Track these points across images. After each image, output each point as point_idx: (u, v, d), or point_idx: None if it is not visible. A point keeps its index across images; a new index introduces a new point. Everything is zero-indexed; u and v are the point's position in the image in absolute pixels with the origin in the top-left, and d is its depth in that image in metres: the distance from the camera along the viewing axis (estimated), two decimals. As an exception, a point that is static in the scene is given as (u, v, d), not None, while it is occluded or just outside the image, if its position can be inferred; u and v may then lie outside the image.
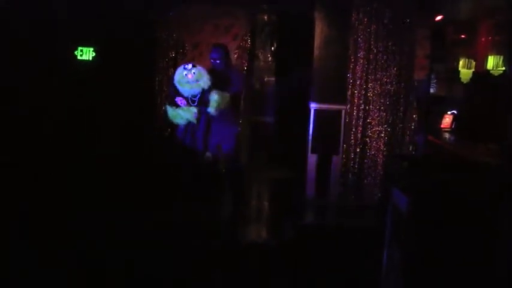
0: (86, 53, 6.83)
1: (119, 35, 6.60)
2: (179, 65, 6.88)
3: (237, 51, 7.12)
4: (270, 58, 9.34)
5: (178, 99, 5.75)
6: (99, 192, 5.82)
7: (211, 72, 5.79)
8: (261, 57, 9.26)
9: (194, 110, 5.73)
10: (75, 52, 6.79)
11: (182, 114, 5.75)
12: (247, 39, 7.22)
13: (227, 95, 5.75)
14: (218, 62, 5.96)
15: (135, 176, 6.28)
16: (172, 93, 5.90)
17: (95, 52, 6.82)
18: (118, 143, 6.65)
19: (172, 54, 7.10)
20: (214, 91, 5.66)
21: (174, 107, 5.78)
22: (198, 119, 5.77)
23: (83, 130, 6.65)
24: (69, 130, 6.56)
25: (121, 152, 6.57)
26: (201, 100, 5.74)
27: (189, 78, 5.62)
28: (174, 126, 6.76)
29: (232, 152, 6.08)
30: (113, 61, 6.75)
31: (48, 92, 6.55)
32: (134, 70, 6.74)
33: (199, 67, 5.71)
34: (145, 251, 4.71)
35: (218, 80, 5.77)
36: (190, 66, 5.68)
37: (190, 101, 5.76)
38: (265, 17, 8.80)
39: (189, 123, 5.80)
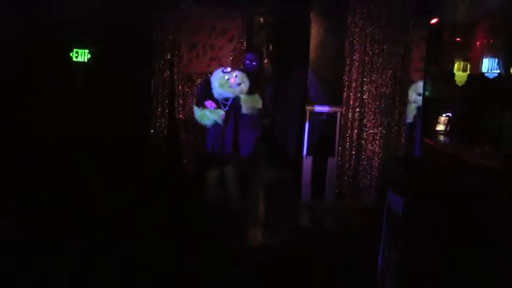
0: (81, 55, 6.81)
1: (115, 36, 6.59)
2: (176, 67, 6.94)
3: (232, 53, 7.11)
4: (265, 60, 9.33)
5: (209, 103, 5.85)
6: (91, 193, 5.82)
7: (249, 75, 5.90)
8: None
9: (222, 112, 5.83)
10: (71, 54, 6.77)
11: (209, 116, 5.88)
12: (243, 41, 7.21)
13: (258, 98, 5.88)
14: (254, 64, 6.04)
15: (132, 178, 6.28)
16: (202, 95, 5.98)
17: (90, 54, 6.80)
18: (113, 145, 6.63)
19: (168, 56, 7.08)
20: (245, 96, 5.79)
21: (201, 108, 5.87)
22: (226, 121, 5.87)
23: (77, 133, 6.62)
24: (63, 133, 6.53)
25: (116, 154, 6.56)
26: (232, 104, 5.83)
27: (232, 82, 5.73)
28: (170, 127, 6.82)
29: (250, 154, 6.17)
30: (108, 63, 6.74)
31: (42, 95, 6.53)
32: (130, 72, 6.73)
33: (239, 71, 5.84)
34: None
35: (255, 83, 5.90)
36: (229, 69, 5.84)
37: (221, 105, 5.85)
38: (262, 19, 8.79)
39: (217, 126, 5.89)
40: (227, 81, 5.82)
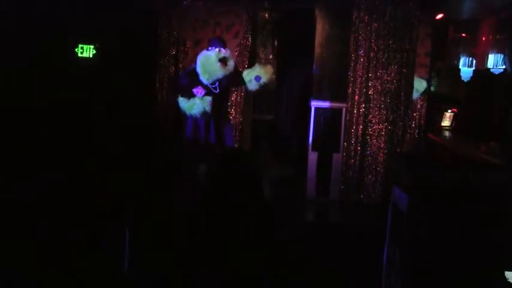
0: (86, 51, 6.81)
1: (120, 32, 6.59)
2: (181, 63, 6.90)
3: (238, 49, 7.11)
4: (271, 56, 9.35)
5: (198, 90, 5.71)
6: (95, 189, 5.83)
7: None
8: (262, 55, 9.26)
9: (209, 98, 5.71)
10: (76, 49, 6.78)
11: (198, 104, 5.73)
12: (248, 37, 7.21)
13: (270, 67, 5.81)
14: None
15: (137, 174, 6.28)
16: (189, 84, 5.85)
17: (95, 49, 6.81)
18: (118, 140, 6.65)
19: (173, 51, 7.09)
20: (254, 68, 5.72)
21: (187, 98, 5.76)
22: (214, 106, 5.75)
23: (83, 127, 6.64)
24: (68, 127, 6.54)
25: (121, 149, 6.57)
26: (221, 84, 5.72)
27: (224, 52, 5.62)
28: (176, 122, 6.80)
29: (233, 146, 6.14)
30: (113, 58, 6.74)
31: (48, 89, 6.55)
32: (135, 67, 6.73)
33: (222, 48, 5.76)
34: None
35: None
36: (216, 48, 5.70)
37: (212, 89, 5.74)
38: (267, 15, 8.79)
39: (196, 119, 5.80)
40: (220, 53, 5.68)
